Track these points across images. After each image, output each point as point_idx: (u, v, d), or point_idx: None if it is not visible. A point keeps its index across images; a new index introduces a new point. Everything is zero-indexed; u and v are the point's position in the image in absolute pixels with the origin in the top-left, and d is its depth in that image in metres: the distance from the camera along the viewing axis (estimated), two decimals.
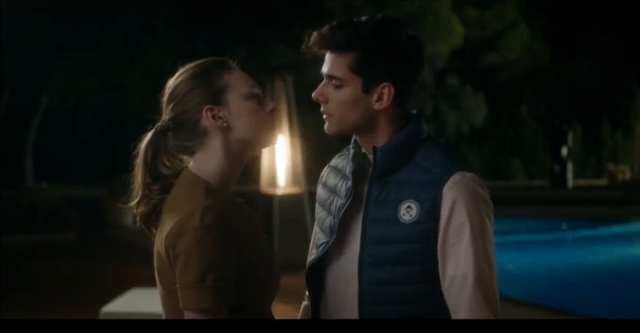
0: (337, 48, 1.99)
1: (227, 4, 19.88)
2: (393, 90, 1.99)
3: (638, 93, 28.99)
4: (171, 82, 2.04)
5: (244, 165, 2.07)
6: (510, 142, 31.47)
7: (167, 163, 2.04)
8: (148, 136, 2.05)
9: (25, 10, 17.55)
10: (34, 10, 17.90)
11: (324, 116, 2.06)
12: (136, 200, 2.04)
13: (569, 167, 27.85)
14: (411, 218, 1.98)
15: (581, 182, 29.12)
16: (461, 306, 1.94)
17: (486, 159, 31.19)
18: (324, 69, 2.03)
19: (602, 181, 29.30)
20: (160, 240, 1.93)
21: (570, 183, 27.70)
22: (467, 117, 26.61)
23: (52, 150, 24.77)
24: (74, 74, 20.05)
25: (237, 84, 2.01)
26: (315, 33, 2.01)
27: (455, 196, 1.96)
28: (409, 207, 1.99)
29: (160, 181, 2.03)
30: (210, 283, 1.83)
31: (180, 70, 2.05)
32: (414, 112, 2.11)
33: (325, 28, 2.00)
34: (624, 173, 27.92)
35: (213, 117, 1.99)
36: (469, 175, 2.00)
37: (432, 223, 1.97)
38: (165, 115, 2.04)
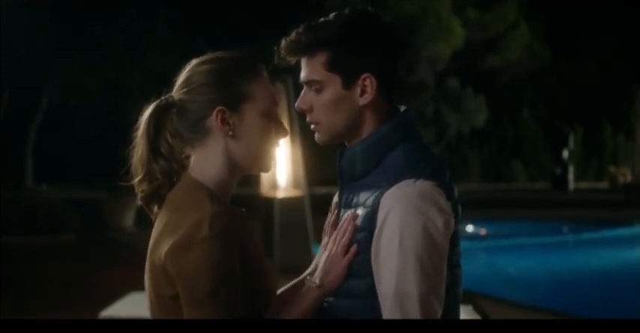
0: (308, 50, 1.90)
1: (227, 5, 19.89)
2: (375, 81, 1.89)
3: (639, 94, 28.97)
4: (192, 64, 1.92)
5: (242, 173, 1.97)
6: (511, 143, 31.46)
7: (170, 140, 1.91)
8: (150, 108, 1.93)
9: (25, 10, 17.55)
10: (34, 11, 17.90)
11: (312, 127, 1.96)
12: (139, 177, 1.92)
13: (571, 170, 27.84)
14: (355, 224, 1.88)
15: (583, 185, 29.10)
16: None
17: (487, 161, 31.19)
18: (302, 76, 1.94)
19: (604, 184, 29.27)
20: (157, 251, 1.82)
21: (571, 185, 27.68)
22: (468, 119, 26.59)
23: (52, 151, 24.75)
24: (74, 74, 20.06)
25: (260, 97, 1.91)
26: (283, 40, 1.92)
27: (390, 206, 1.80)
28: (358, 213, 1.88)
29: (161, 162, 1.90)
30: (224, 296, 1.73)
31: (208, 57, 1.93)
32: (403, 108, 1.97)
33: (293, 34, 1.91)
34: (625, 176, 27.88)
35: (222, 120, 1.88)
36: (419, 183, 1.81)
37: (367, 231, 1.85)
38: (175, 94, 1.93)
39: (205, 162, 1.91)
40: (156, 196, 1.93)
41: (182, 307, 1.77)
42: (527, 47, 26.32)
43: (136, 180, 1.93)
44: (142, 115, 1.94)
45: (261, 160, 1.96)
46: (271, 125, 1.93)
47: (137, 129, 1.94)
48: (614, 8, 25.86)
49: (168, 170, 1.91)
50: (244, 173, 1.98)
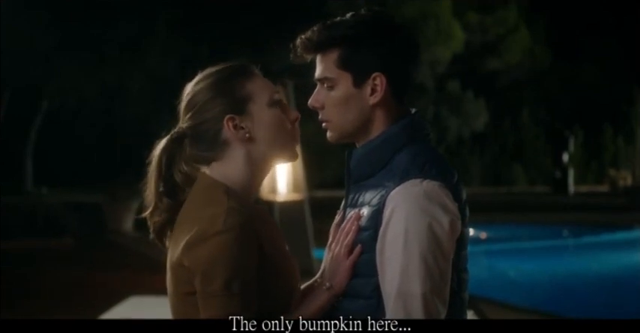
0: (321, 48, 1.94)
1: (228, 7, 19.90)
2: (385, 79, 1.91)
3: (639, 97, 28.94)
4: (189, 89, 1.96)
5: (267, 174, 2.00)
6: (511, 146, 31.43)
7: (185, 169, 1.95)
8: (162, 143, 1.96)
9: (25, 10, 17.58)
10: (34, 11, 17.93)
11: (324, 124, 1.98)
12: (150, 210, 1.97)
13: (571, 173, 27.82)
14: (359, 224, 1.89)
15: (583, 188, 29.08)
16: None
17: (487, 164, 31.16)
18: (316, 74, 1.97)
19: (604, 187, 29.24)
20: (176, 250, 1.84)
21: (572, 189, 27.66)
22: (468, 122, 26.58)
23: (52, 154, 24.74)
24: (74, 76, 20.07)
25: (259, 92, 1.95)
26: (299, 38, 1.95)
27: (395, 205, 1.82)
28: (363, 213, 1.90)
29: (173, 195, 1.95)
30: (237, 289, 1.74)
31: (200, 76, 1.97)
32: (414, 110, 1.99)
33: (308, 32, 1.95)
34: (626, 179, 27.87)
35: (235, 127, 1.91)
36: (425, 183, 1.82)
37: (372, 231, 1.86)
38: (183, 123, 1.96)
39: (227, 166, 1.93)
40: (170, 225, 1.95)
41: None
42: (528, 50, 26.31)
43: (148, 212, 1.97)
44: (154, 148, 1.97)
45: (286, 150, 1.98)
46: (280, 112, 1.96)
47: (149, 162, 1.97)
48: (615, 11, 25.86)
49: (178, 204, 1.94)
50: (271, 168, 2.01)
